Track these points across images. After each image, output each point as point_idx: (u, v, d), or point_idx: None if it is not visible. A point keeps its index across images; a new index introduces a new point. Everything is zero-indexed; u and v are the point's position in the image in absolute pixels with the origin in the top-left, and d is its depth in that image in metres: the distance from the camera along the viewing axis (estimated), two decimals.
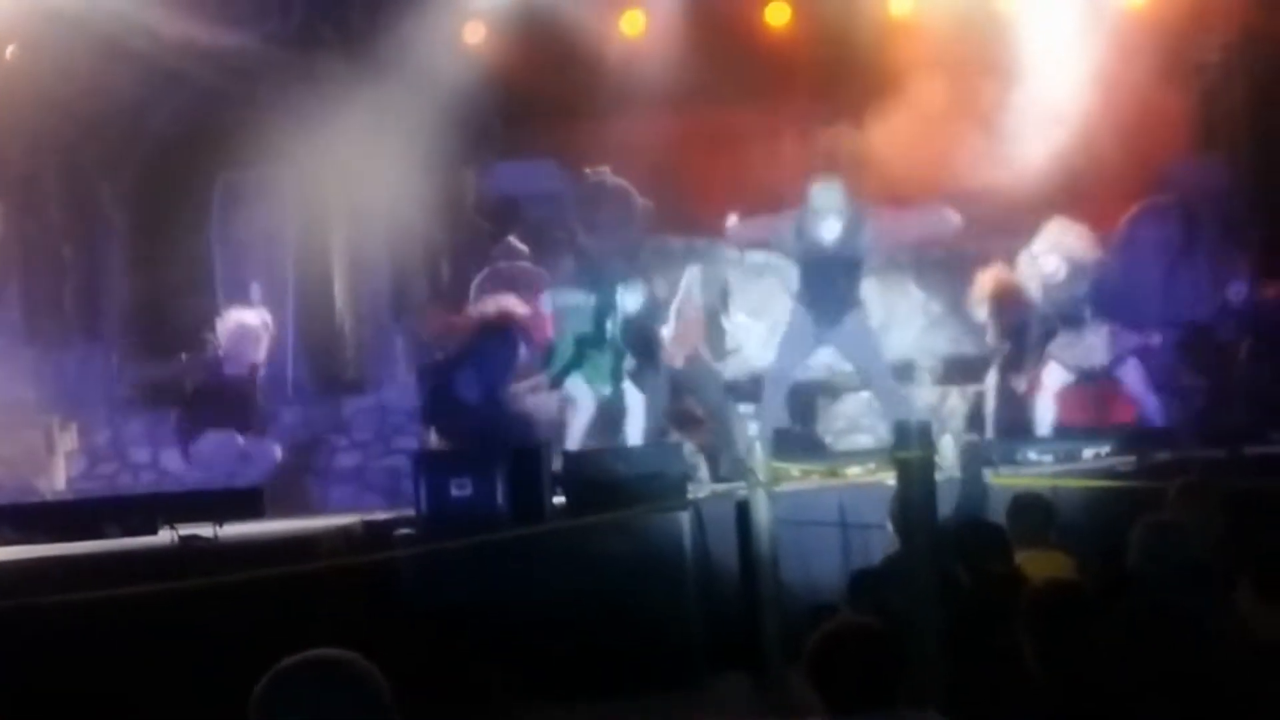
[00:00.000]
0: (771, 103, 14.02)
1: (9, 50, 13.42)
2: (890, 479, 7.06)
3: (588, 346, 11.65)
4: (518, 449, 9.51)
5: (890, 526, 8.01)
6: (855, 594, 7.41)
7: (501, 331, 11.60)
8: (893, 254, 13.37)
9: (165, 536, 8.49)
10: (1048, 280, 11.80)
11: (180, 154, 13.73)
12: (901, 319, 14.12)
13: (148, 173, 13.98)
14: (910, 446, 6.31)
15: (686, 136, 13.96)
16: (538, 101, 13.76)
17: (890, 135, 12.54)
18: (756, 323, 14.09)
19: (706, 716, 8.02)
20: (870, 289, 12.45)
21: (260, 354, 12.20)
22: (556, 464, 9.84)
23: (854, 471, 10.06)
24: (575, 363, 11.70)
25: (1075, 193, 12.82)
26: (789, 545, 8.57)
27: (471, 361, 11.47)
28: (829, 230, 11.43)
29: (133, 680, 7.22)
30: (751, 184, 13.38)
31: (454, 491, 8.91)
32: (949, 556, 6.67)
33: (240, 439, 11.77)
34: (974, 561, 6.87)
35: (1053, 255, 11.80)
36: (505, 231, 14.01)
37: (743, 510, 8.66)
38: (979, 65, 12.87)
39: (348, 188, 13.37)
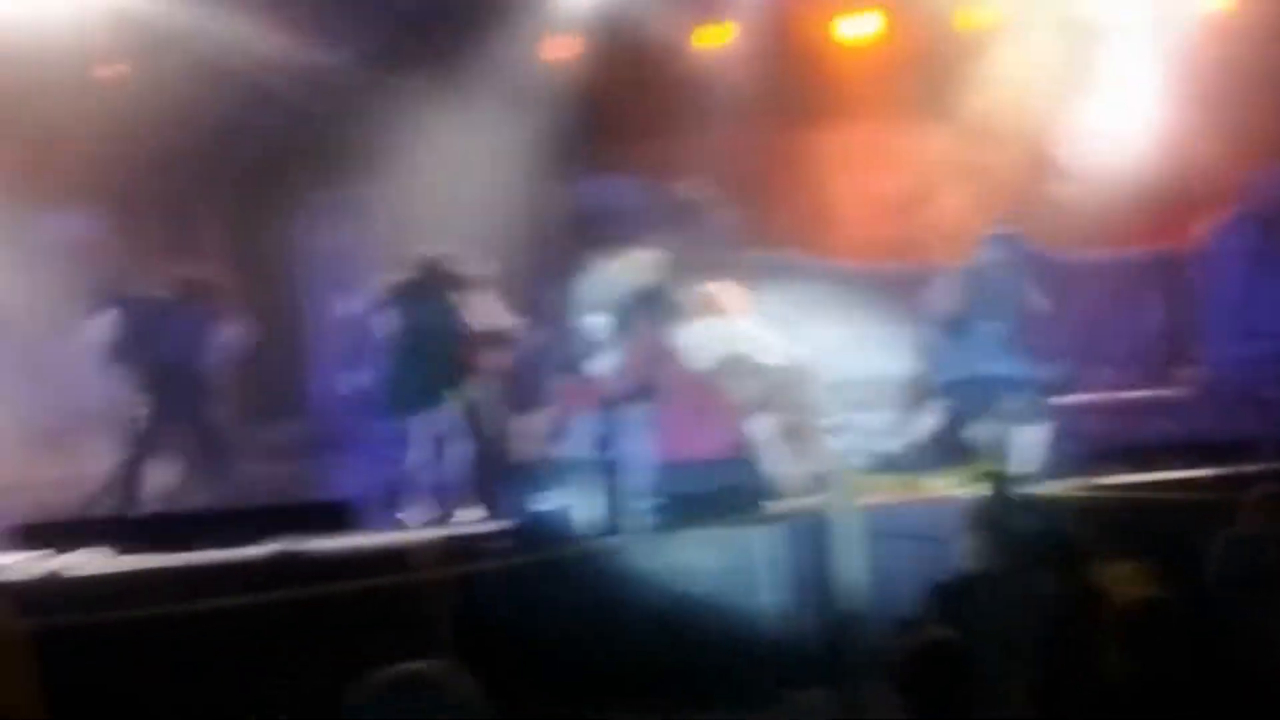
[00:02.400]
0: (859, 115, 14.04)
1: (112, 70, 13.69)
2: (971, 493, 7.09)
3: None
4: (604, 462, 9.59)
5: (967, 539, 8.03)
6: (937, 608, 7.45)
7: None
8: None
9: (261, 548, 8.63)
10: None
11: (273, 173, 13.93)
12: None
13: (242, 191, 14.20)
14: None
15: (775, 149, 14.01)
16: (625, 116, 13.84)
17: (968, 148, 12.55)
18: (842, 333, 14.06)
19: None
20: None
21: None
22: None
23: (936, 485, 10.07)
24: None
25: (1155, 205, 12.78)
26: (871, 559, 8.60)
27: None
28: None
29: (230, 690, 7.36)
30: (843, 196, 13.42)
31: (544, 505, 9.03)
32: (1032, 569, 6.69)
33: None
34: (1056, 574, 6.88)
35: None
36: (592, 248, 14.07)
37: (825, 524, 8.70)
38: (1062, 76, 12.86)
39: (435, 205, 13.51)
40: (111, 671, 7.20)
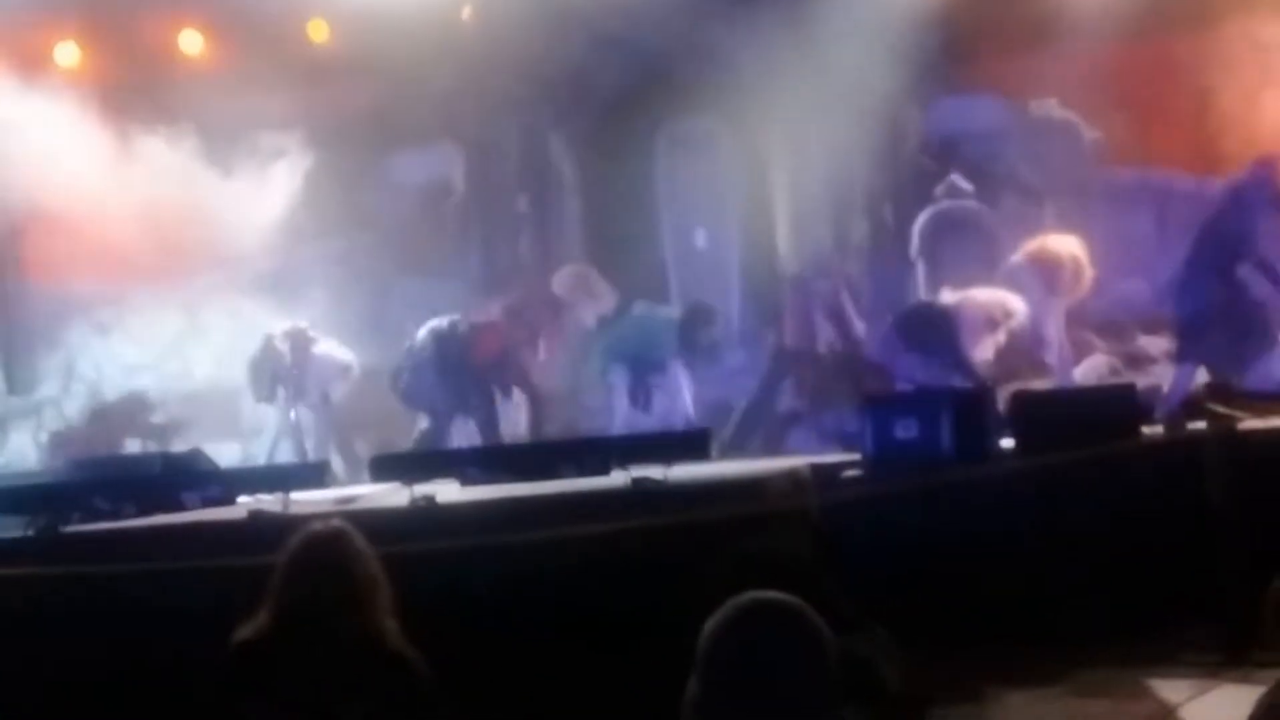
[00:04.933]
0: (1228, 26, 13.31)
1: (465, 12, 13.97)
2: None
3: None
4: (962, 392, 9.39)
5: None
6: None
7: None
8: None
9: (617, 477, 8.70)
10: None
11: (625, 108, 14.02)
12: None
13: (595, 127, 14.34)
14: None
15: (1137, 65, 13.43)
16: (980, 35, 13.43)
17: None
18: None
19: (1163, 664, 7.75)
20: None
21: None
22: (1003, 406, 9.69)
23: None
24: None
25: None
26: (1248, 488, 8.16)
27: None
28: None
29: (583, 614, 7.43)
30: (1209, 112, 12.80)
31: (899, 433, 8.87)
32: None
33: None
34: None
35: None
36: (948, 170, 13.80)
37: (1200, 451, 8.29)
38: None
39: (788, 133, 13.39)
40: (468, 596, 7.33)
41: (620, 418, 12.86)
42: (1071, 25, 12.89)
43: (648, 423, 12.69)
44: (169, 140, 13.83)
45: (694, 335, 12.86)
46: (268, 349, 13.42)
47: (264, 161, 13.98)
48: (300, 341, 13.42)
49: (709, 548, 7.06)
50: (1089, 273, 12.58)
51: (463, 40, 13.65)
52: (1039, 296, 12.47)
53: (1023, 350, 12.64)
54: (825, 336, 13.71)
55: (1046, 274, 12.54)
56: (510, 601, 7.51)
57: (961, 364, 12.17)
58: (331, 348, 13.58)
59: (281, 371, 13.40)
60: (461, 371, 12.76)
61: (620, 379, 12.86)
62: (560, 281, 13.66)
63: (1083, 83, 13.15)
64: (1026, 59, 13.40)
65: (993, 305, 12.34)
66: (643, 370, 12.80)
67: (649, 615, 7.09)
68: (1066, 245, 12.60)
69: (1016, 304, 12.35)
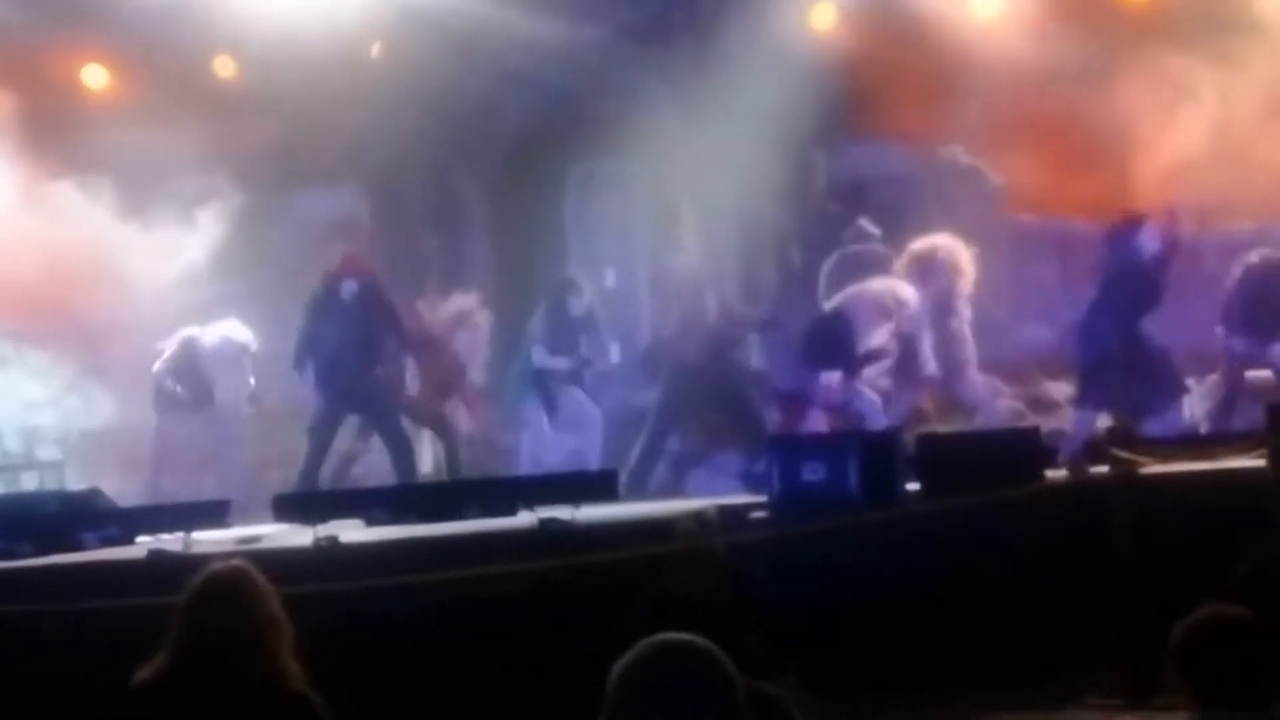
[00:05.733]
0: (1132, 80, 13.50)
1: (374, 48, 13.92)
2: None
3: None
4: (870, 434, 9.43)
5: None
6: (1232, 584, 7.08)
7: None
8: None
9: (525, 518, 8.66)
10: None
11: (535, 147, 14.02)
12: None
13: (505, 166, 14.32)
14: None
15: (1042, 113, 13.58)
16: (887, 83, 13.53)
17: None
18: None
19: (1066, 707, 7.79)
20: None
21: None
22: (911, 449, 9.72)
23: (1228, 456, 9.60)
24: None
25: None
26: (1152, 531, 8.24)
27: None
28: None
29: (490, 655, 7.39)
30: (1109, 163, 12.95)
31: (806, 475, 8.88)
32: None
33: None
34: None
35: None
36: (856, 215, 13.89)
37: (1103, 495, 8.36)
38: None
39: (698, 175, 13.44)
40: (375, 637, 7.26)
41: (529, 457, 12.82)
42: (977, 74, 13.03)
43: (563, 437, 12.77)
44: (80, 184, 13.68)
45: (564, 305, 12.93)
46: (162, 355, 13.38)
47: (185, 207, 13.84)
48: (190, 337, 13.40)
49: (616, 588, 7.06)
50: (964, 255, 12.80)
51: (371, 77, 13.62)
52: (929, 299, 12.73)
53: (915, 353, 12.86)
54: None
55: (923, 273, 12.79)
56: (414, 642, 7.45)
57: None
58: (226, 329, 13.54)
59: (178, 368, 13.34)
60: (337, 310, 12.70)
61: (534, 411, 12.91)
62: (439, 320, 13.67)
63: (988, 130, 13.28)
64: (932, 106, 13.51)
65: (884, 294, 12.69)
66: (545, 381, 12.89)
67: (556, 655, 7.07)
68: (931, 240, 12.90)
69: (907, 291, 12.63)
